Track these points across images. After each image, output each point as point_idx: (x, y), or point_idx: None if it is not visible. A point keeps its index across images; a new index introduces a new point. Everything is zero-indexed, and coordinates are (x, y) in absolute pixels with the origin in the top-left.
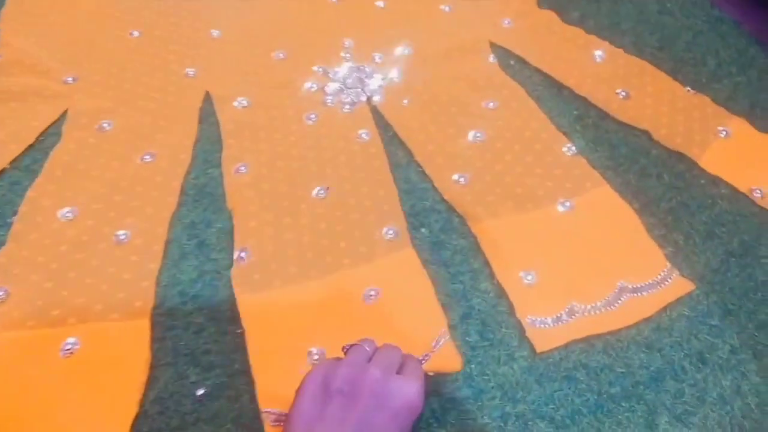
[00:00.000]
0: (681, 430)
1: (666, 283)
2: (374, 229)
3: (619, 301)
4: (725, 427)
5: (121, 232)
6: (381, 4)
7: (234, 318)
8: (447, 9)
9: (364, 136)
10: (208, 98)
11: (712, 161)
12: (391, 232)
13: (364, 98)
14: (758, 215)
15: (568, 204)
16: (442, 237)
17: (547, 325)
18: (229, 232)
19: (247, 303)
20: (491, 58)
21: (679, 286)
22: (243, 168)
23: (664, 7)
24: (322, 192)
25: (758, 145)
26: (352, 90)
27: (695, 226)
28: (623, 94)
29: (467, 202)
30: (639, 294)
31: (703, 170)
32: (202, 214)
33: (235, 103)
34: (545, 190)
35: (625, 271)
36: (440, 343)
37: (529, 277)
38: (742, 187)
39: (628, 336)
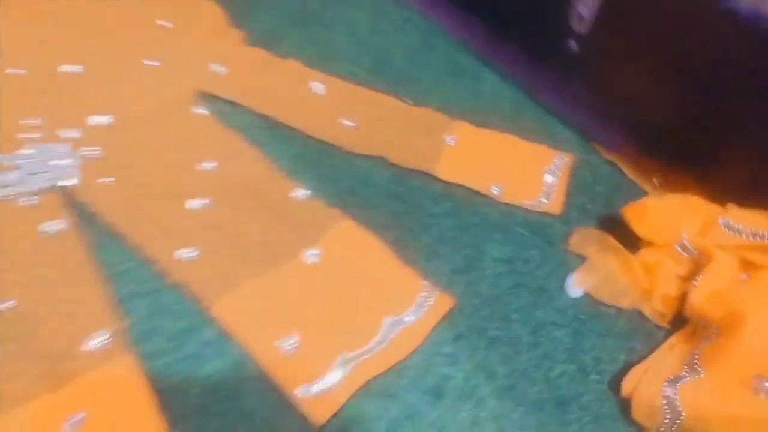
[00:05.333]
0: None
1: (429, 303)
2: (77, 340)
3: (390, 337)
4: None
5: None
6: (74, 69)
7: None
8: (153, 64)
9: (52, 230)
10: None
11: (447, 170)
12: (101, 338)
13: (52, 184)
14: (479, 225)
15: (315, 252)
16: (152, 324)
17: (321, 389)
18: None
19: None
20: (202, 110)
21: (440, 304)
22: None
23: (376, 28)
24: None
25: (485, 143)
26: (37, 176)
27: (420, 250)
28: (347, 122)
29: (201, 279)
30: (406, 324)
31: (427, 191)
32: None
33: None
34: (287, 243)
35: (388, 306)
36: None
37: (291, 343)
38: (481, 187)
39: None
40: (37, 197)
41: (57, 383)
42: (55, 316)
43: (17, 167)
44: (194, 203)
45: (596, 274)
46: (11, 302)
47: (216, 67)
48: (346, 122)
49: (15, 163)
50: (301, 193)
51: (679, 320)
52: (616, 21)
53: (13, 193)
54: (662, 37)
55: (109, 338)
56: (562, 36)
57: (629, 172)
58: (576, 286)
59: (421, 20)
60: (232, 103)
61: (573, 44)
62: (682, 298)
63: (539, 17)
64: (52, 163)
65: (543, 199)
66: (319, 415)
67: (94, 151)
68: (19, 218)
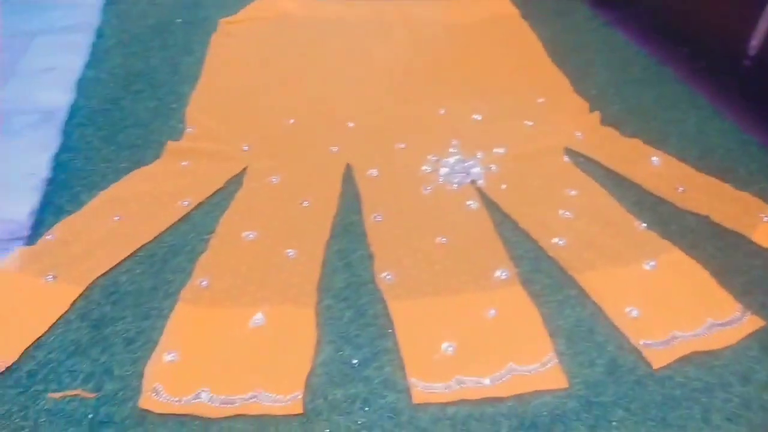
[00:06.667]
0: (731, 428)
1: (744, 319)
2: (489, 269)
3: (710, 332)
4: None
5: (290, 250)
6: (477, 117)
7: (374, 314)
8: (530, 124)
9: (471, 205)
10: (348, 167)
11: (762, 237)
12: (504, 273)
13: (468, 180)
14: None
15: (652, 263)
16: (532, 276)
17: (657, 347)
18: (369, 258)
19: (396, 307)
20: (566, 159)
21: (752, 322)
22: (379, 217)
23: (702, 130)
24: (443, 240)
25: None
26: (459, 174)
27: (734, 286)
28: (681, 189)
29: (568, 258)
30: (724, 327)
31: (739, 246)
32: (348, 245)
33: (369, 173)
34: (630, 253)
35: (710, 311)
36: (549, 365)
37: (634, 312)
38: None
39: (686, 356)
40: (458, 185)
41: (478, 289)
42: (475, 253)
43: (447, 166)
44: (564, 213)
45: None
46: (446, 240)
47: (577, 134)
48: (679, 188)
49: (445, 164)
50: (639, 224)
51: None
52: None
53: (444, 181)
54: None
55: (507, 275)
56: None
57: None
58: None
59: (739, 132)
60: (587, 158)
61: None
62: None
63: None
64: (470, 169)
65: None
66: (655, 361)
67: (494, 167)
68: (448, 195)
